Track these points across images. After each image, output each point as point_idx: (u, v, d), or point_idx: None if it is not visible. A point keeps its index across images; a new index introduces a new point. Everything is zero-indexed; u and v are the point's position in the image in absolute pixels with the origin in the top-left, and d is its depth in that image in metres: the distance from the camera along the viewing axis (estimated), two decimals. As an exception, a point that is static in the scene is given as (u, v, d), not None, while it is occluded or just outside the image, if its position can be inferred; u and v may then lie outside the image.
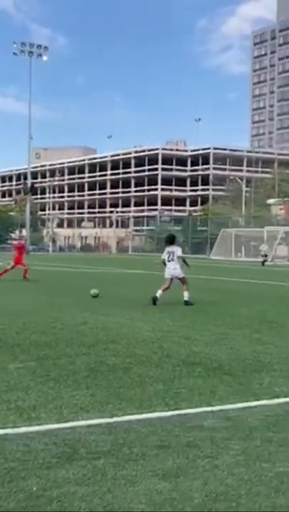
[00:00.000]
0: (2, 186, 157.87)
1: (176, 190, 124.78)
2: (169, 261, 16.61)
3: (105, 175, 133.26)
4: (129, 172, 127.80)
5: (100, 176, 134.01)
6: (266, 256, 52.72)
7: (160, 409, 5.89)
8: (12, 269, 23.83)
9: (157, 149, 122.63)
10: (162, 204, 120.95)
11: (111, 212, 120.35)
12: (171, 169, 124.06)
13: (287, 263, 55.84)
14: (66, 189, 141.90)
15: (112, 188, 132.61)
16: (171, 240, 17.17)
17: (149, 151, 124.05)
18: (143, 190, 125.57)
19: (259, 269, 41.76)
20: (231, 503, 3.83)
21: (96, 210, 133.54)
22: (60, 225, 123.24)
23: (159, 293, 15.92)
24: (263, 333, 10.92)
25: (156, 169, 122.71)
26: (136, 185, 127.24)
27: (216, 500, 3.86)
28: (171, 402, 6.12)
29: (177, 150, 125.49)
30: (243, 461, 4.54)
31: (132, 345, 9.36)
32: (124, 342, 9.65)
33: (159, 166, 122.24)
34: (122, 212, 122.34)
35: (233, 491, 3.99)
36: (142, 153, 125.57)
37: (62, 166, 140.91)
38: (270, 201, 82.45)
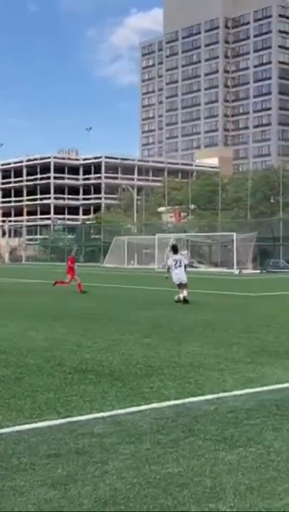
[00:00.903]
0: None
1: (69, 198, 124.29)
2: (176, 267, 18.88)
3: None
4: (21, 181, 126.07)
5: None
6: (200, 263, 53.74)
7: (51, 417, 5.84)
8: None
9: (49, 158, 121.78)
10: (55, 213, 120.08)
11: (3, 221, 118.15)
12: (64, 178, 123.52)
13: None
14: None
15: (4, 197, 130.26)
16: (175, 249, 19.68)
17: (41, 159, 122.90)
18: (35, 199, 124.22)
19: (150, 276, 42.32)
20: (120, 506, 3.86)
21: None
22: None
23: (184, 294, 18.37)
24: (153, 338, 11.09)
25: (49, 178, 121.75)
26: (28, 194, 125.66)
27: (105, 505, 3.88)
28: (62, 410, 6.09)
29: (69, 159, 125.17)
30: (133, 464, 4.59)
31: (23, 355, 9.24)
32: (15, 352, 9.51)
33: (52, 174, 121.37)
34: (15, 221, 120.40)
35: (122, 495, 4.02)
36: (34, 162, 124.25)
37: None
38: (161, 209, 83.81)
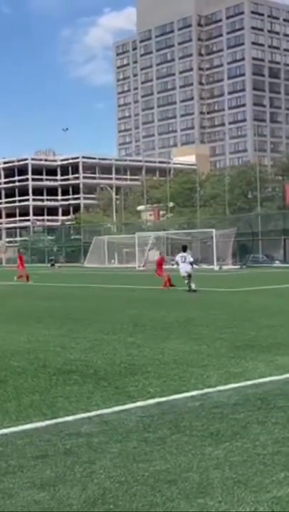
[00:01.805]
0: None
1: (47, 199, 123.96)
2: (182, 262, 23.63)
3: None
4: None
5: None
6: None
7: (37, 419, 5.84)
8: None
9: (26, 160, 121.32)
10: (34, 214, 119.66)
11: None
12: (42, 179, 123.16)
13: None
14: None
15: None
16: (184, 248, 25.25)
17: (18, 161, 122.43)
18: (14, 201, 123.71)
19: (131, 275, 42.37)
20: (109, 505, 3.88)
21: None
22: None
23: (192, 286, 22.63)
24: (137, 337, 11.12)
25: (27, 179, 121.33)
26: (6, 196, 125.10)
27: (94, 504, 3.90)
28: (48, 412, 6.09)
29: (46, 160, 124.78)
30: (121, 463, 4.61)
31: (7, 358, 9.22)
32: (-2, 355, 9.47)
33: (29, 176, 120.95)
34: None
35: (111, 494, 4.04)
36: (11, 164, 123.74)
37: None
38: (140, 208, 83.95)
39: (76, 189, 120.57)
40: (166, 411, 6.02)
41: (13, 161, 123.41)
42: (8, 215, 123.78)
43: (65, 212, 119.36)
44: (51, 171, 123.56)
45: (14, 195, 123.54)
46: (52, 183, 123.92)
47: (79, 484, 4.22)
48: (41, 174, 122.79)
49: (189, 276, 23.23)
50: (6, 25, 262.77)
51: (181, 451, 4.84)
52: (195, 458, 4.67)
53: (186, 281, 23.27)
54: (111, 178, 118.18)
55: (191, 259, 24.19)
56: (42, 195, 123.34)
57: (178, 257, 24.40)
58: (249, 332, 11.50)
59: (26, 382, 7.52)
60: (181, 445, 4.97)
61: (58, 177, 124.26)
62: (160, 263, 29.29)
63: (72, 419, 5.82)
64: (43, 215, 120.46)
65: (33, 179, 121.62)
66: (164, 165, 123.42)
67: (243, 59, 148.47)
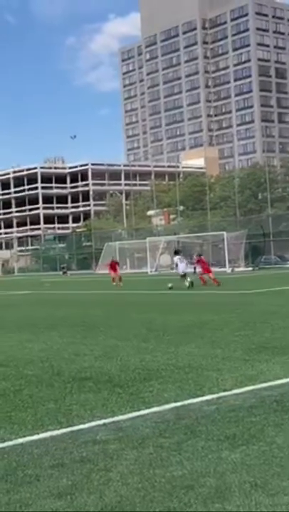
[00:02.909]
0: None
1: (57, 207, 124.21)
2: (180, 263, 28.79)
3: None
4: (9, 193, 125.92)
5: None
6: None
7: (53, 428, 5.85)
8: None
9: (35, 168, 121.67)
10: (45, 222, 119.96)
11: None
12: (51, 187, 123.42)
13: (171, 271, 56.95)
14: None
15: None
16: (177, 252, 31.21)
17: (27, 170, 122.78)
18: (24, 210, 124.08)
19: (143, 280, 42.36)
20: (127, 512, 3.87)
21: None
22: None
23: (187, 281, 27.43)
24: (150, 342, 11.10)
25: (36, 188, 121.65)
26: (17, 206, 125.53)
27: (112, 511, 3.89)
28: (64, 420, 6.10)
29: (55, 168, 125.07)
30: (137, 469, 4.60)
31: (21, 367, 9.23)
32: (13, 364, 9.50)
33: (39, 184, 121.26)
34: (5, 233, 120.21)
35: (128, 501, 4.03)
36: (21, 173, 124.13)
37: None
38: (150, 212, 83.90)
39: (86, 196, 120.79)
40: (182, 416, 6.00)
41: (22, 170, 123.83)
42: (19, 224, 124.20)
43: (76, 220, 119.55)
44: (61, 179, 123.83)
45: (24, 204, 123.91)
46: (62, 191, 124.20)
47: (96, 492, 4.21)
48: (51, 182, 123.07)
49: (185, 274, 28.34)
50: (11, 35, 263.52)
51: (198, 456, 4.82)
52: (212, 462, 4.65)
53: (187, 279, 27.67)
54: (120, 184, 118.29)
55: (185, 261, 29.77)
56: (52, 203, 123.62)
57: (176, 259, 29.36)
58: (263, 334, 11.45)
59: (41, 390, 7.53)
60: (197, 450, 4.95)
61: (68, 184, 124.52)
62: (204, 264, 31.40)
63: (88, 426, 5.82)
64: (53, 223, 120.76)
65: (43, 187, 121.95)
66: (173, 169, 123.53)
67: (249, 60, 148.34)
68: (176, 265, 28.95)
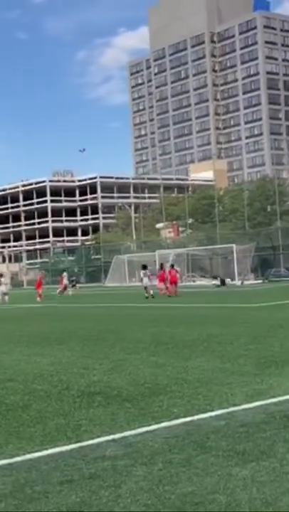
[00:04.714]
0: None
1: (66, 220, 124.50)
2: (144, 277, 33.73)
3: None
4: (18, 206, 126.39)
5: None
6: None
7: (62, 443, 5.81)
8: None
9: (44, 182, 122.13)
10: (54, 235, 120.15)
11: (3, 247, 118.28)
12: (60, 200, 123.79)
13: (180, 284, 56.82)
14: None
15: (2, 223, 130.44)
16: (145, 266, 35.57)
17: (36, 183, 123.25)
18: (33, 224, 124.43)
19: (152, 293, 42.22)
20: (136, 529, 3.83)
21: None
22: None
23: (147, 293, 32.41)
24: (159, 356, 11.05)
25: (46, 201, 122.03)
26: (26, 219, 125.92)
27: (121, 529, 3.86)
28: (73, 435, 6.06)
29: (64, 181, 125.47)
30: (146, 486, 4.56)
31: (30, 381, 9.21)
32: (21, 379, 9.47)
33: (48, 198, 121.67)
34: (14, 246, 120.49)
35: (138, 518, 3.99)
36: (30, 187, 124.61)
37: None
38: (159, 225, 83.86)
39: (95, 209, 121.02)
40: (192, 431, 5.95)
41: (31, 184, 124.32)
42: (28, 238, 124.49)
43: (85, 233, 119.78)
44: (69, 192, 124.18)
45: (33, 218, 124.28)
46: (71, 204, 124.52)
47: (105, 509, 4.18)
48: (60, 195, 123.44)
49: (146, 287, 32.96)
50: (22, 51, 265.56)
51: (208, 472, 4.77)
52: (221, 479, 4.61)
53: (149, 292, 32.48)
54: (129, 197, 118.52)
55: (149, 273, 35.27)
56: (61, 216, 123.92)
57: (142, 274, 34.47)
58: (273, 348, 11.38)
59: (50, 405, 7.50)
60: (207, 466, 4.91)
61: (77, 198, 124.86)
62: (173, 276, 35.26)
63: (97, 442, 5.78)
64: (62, 236, 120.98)
65: (52, 201, 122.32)
66: (182, 182, 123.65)
67: (257, 73, 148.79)
68: (142, 279, 33.95)
